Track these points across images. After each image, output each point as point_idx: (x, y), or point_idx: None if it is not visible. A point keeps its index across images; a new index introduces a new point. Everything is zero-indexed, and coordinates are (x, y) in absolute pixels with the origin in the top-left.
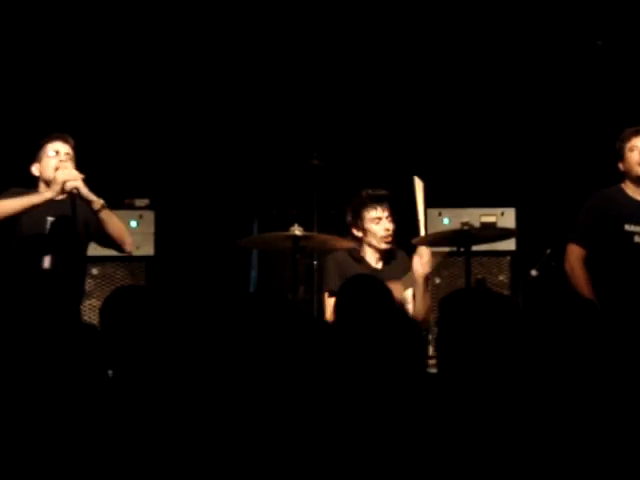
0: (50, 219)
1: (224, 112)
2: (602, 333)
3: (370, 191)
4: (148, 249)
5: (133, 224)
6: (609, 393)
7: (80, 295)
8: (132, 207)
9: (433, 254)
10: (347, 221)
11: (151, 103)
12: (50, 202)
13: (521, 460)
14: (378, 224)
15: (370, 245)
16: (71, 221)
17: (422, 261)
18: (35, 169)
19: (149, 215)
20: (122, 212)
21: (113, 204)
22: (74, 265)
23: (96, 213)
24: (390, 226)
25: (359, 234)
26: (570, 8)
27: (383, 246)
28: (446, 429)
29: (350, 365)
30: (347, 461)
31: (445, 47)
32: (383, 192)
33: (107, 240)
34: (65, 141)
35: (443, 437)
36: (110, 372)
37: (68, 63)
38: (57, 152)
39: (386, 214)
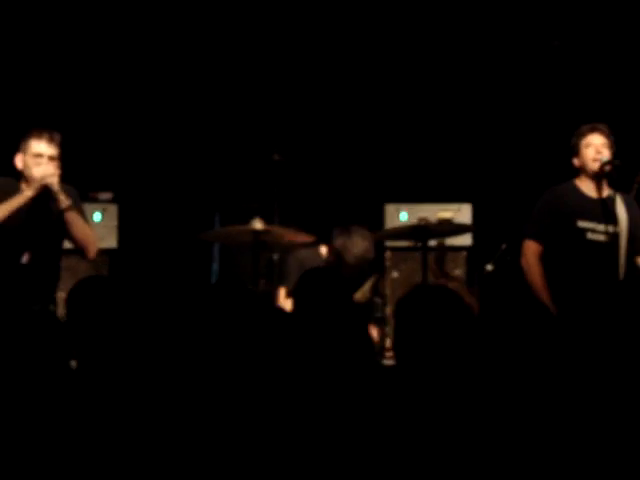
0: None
1: (187, 107)
2: (554, 331)
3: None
4: (111, 242)
5: (97, 217)
6: (563, 388)
7: (55, 286)
8: (96, 200)
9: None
10: (331, 245)
11: (115, 97)
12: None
13: (472, 452)
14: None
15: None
16: (46, 216)
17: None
18: (19, 162)
19: (113, 208)
20: (86, 205)
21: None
22: (50, 258)
23: (62, 212)
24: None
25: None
26: (528, 9)
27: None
28: (400, 420)
29: (306, 354)
30: (302, 449)
31: (405, 45)
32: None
33: (72, 241)
34: (50, 141)
35: (397, 427)
36: (73, 363)
37: (36, 56)
38: (41, 155)
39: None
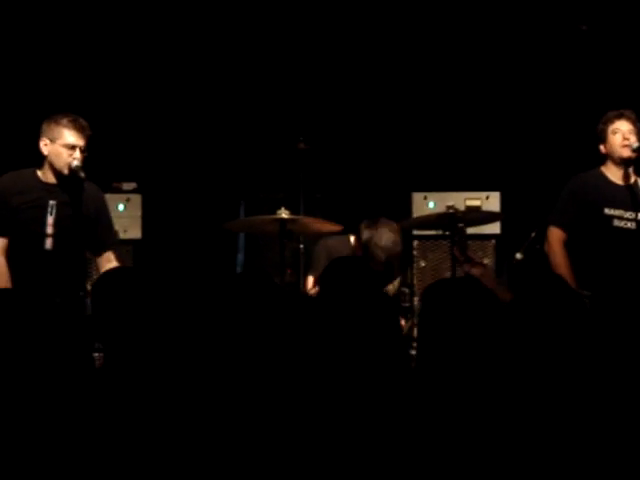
0: (52, 202)
1: (211, 96)
2: (587, 326)
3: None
4: (135, 232)
5: (120, 207)
6: (597, 384)
7: (83, 276)
8: (119, 191)
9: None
10: (360, 232)
11: (138, 88)
12: (52, 186)
13: (501, 449)
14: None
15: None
16: (75, 205)
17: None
18: (44, 148)
19: (136, 198)
20: (110, 195)
21: (101, 187)
22: (75, 247)
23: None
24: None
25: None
26: None
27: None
28: (425, 415)
29: (333, 344)
30: (332, 442)
31: (429, 37)
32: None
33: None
34: (82, 132)
35: (421, 422)
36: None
37: (57, 51)
38: (73, 147)
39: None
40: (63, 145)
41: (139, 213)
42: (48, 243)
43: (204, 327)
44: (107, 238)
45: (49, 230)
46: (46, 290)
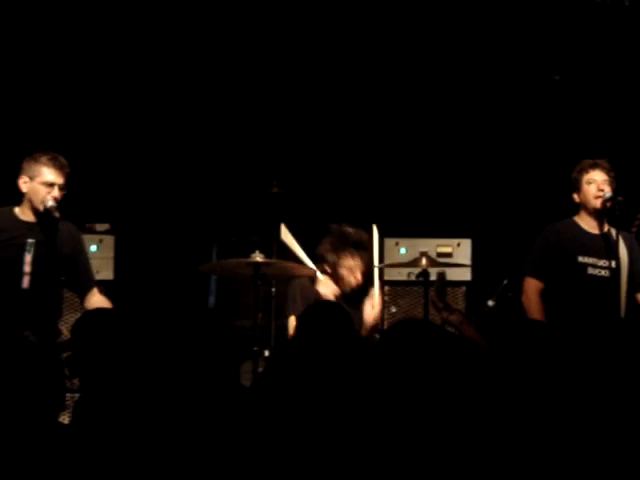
0: (30, 241)
1: (186, 138)
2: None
3: (355, 237)
4: (107, 273)
5: (93, 248)
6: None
7: (57, 314)
8: (93, 231)
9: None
10: (321, 254)
11: (113, 129)
12: (30, 225)
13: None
14: (351, 273)
15: (336, 284)
16: (50, 244)
17: (373, 311)
18: (24, 185)
19: (109, 240)
20: (83, 236)
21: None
22: (51, 285)
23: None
24: (360, 278)
25: (328, 270)
26: (528, 44)
27: (347, 291)
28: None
29: (310, 385)
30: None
31: (404, 78)
32: (365, 239)
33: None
34: (61, 170)
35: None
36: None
37: (33, 90)
38: (52, 185)
39: (360, 267)
40: (42, 183)
41: (112, 254)
42: (25, 282)
43: (176, 365)
44: (88, 277)
45: (26, 269)
46: (20, 328)
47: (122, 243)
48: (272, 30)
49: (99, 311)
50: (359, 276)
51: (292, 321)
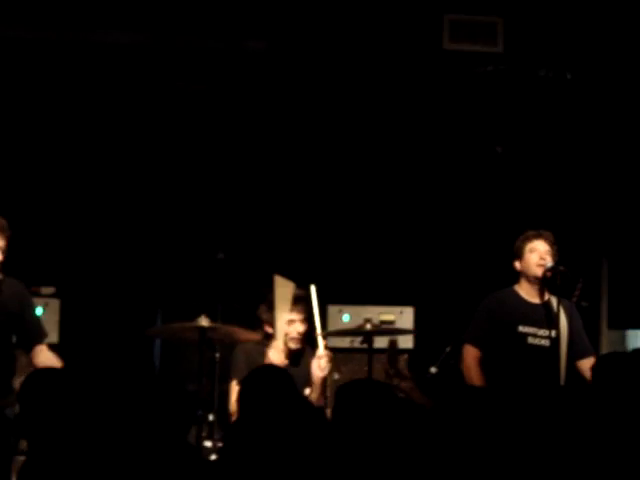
0: None
1: (131, 203)
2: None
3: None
4: (53, 337)
5: (39, 311)
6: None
7: (10, 374)
8: (38, 294)
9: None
10: (260, 316)
11: (58, 193)
12: None
13: None
14: (290, 326)
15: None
16: None
17: (320, 363)
18: None
19: (55, 303)
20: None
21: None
22: (1, 346)
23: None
24: (302, 329)
25: (270, 331)
26: (472, 116)
27: (292, 346)
28: None
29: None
30: None
31: (349, 154)
32: (300, 293)
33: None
34: (2, 232)
35: None
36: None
37: None
38: None
39: (300, 317)
40: None
41: (57, 317)
42: None
43: (120, 422)
44: (36, 332)
45: None
46: None
47: (67, 306)
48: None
49: (46, 370)
50: (300, 328)
51: (234, 385)
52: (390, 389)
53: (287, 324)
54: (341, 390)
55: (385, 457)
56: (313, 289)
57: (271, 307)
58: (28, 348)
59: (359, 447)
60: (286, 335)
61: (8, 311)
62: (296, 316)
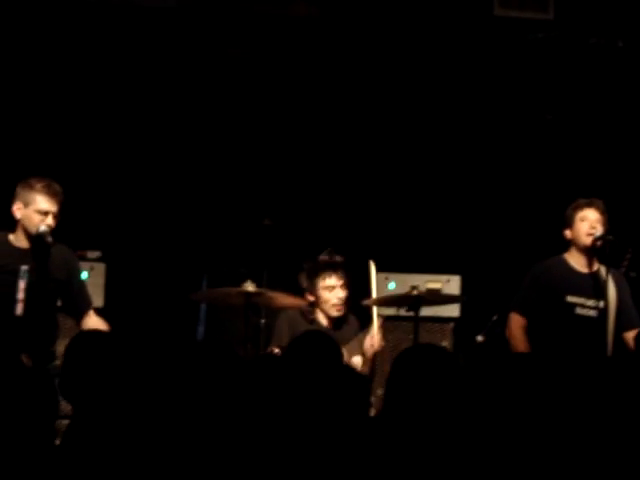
0: (24, 268)
1: (179, 167)
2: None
3: (326, 258)
4: (98, 301)
5: (84, 275)
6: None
7: (52, 340)
8: (83, 259)
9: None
10: (301, 285)
11: (104, 157)
12: (24, 251)
13: None
14: (331, 292)
15: (322, 310)
16: (42, 270)
17: (374, 341)
18: (18, 212)
19: (100, 267)
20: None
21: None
22: (45, 312)
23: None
24: (343, 294)
25: (312, 299)
26: (522, 83)
27: (334, 314)
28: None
29: (297, 415)
30: None
31: (394, 108)
32: (338, 259)
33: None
34: (55, 198)
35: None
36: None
37: (25, 113)
38: (46, 213)
39: (340, 282)
40: (36, 210)
41: (102, 281)
42: (19, 309)
43: (168, 391)
44: (83, 299)
45: (20, 296)
46: (14, 353)
47: (113, 271)
48: (265, 64)
49: (92, 333)
50: (341, 294)
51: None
52: (452, 356)
53: (327, 290)
54: (402, 356)
55: (444, 424)
56: (372, 266)
57: (311, 276)
58: (76, 315)
59: (418, 412)
60: (327, 302)
61: (56, 278)
62: (336, 282)
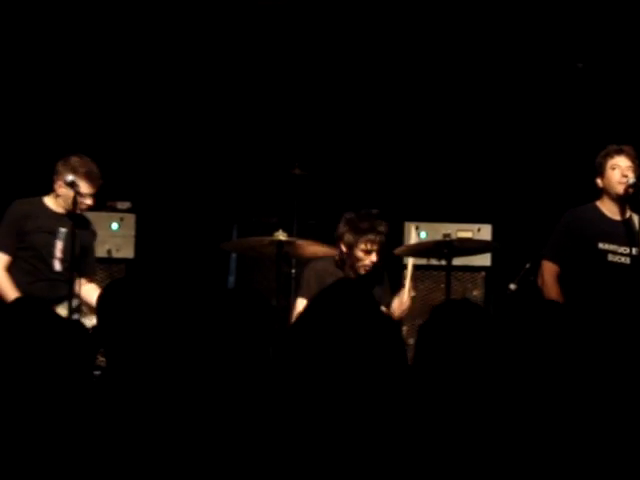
0: (63, 230)
1: (207, 119)
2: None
3: (371, 221)
4: (128, 252)
5: (114, 226)
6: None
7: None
8: (114, 209)
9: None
10: (339, 232)
11: (134, 109)
12: (61, 215)
13: (493, 454)
14: (366, 255)
15: (351, 264)
16: (77, 233)
17: (401, 306)
18: (59, 189)
19: (130, 218)
20: (104, 214)
21: (95, 206)
22: (78, 268)
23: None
24: (375, 259)
25: (344, 249)
26: (552, 32)
27: (361, 272)
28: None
29: (331, 361)
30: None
31: (422, 72)
32: (382, 226)
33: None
34: (95, 182)
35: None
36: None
37: (52, 72)
38: (83, 195)
39: (376, 247)
40: (73, 192)
41: (133, 232)
42: (57, 265)
43: (200, 337)
44: (93, 268)
45: (58, 254)
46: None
47: (143, 221)
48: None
49: (124, 281)
50: (374, 258)
51: (299, 302)
52: (485, 311)
53: (364, 252)
54: (437, 310)
55: (476, 379)
56: (411, 263)
57: (353, 230)
58: (81, 276)
59: (450, 369)
60: (359, 261)
61: (82, 244)
62: (373, 247)
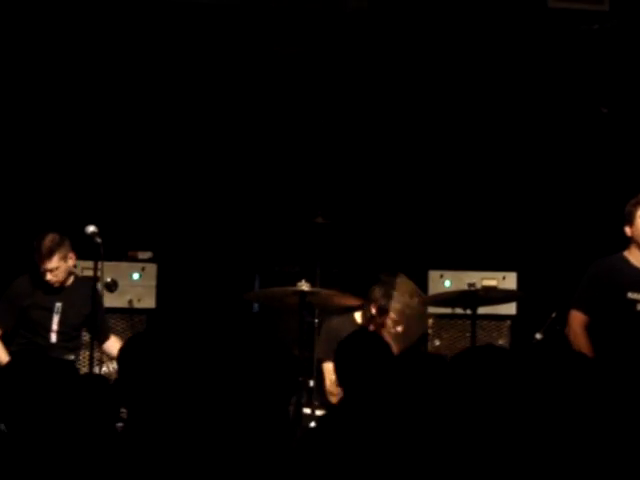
0: (58, 304)
1: (229, 168)
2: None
3: (407, 289)
4: (150, 302)
5: (135, 276)
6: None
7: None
8: (135, 259)
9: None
10: (373, 295)
11: (156, 158)
12: (56, 289)
13: None
14: (394, 324)
15: (375, 328)
16: (73, 306)
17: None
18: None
19: (151, 268)
20: (125, 264)
21: (116, 256)
22: (74, 338)
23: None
24: (401, 330)
25: (374, 313)
26: (577, 76)
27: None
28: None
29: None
30: None
31: (448, 111)
32: (415, 293)
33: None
34: (42, 258)
35: None
36: (119, 424)
37: (70, 112)
38: (44, 271)
39: (397, 318)
40: (42, 271)
41: (154, 282)
42: (53, 337)
43: (223, 389)
44: (106, 327)
45: (54, 327)
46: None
47: (165, 271)
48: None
49: (144, 335)
50: (400, 329)
51: (326, 366)
52: (510, 355)
53: (392, 322)
54: (458, 358)
55: (502, 423)
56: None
57: (388, 295)
58: (100, 340)
59: (476, 414)
60: (385, 327)
61: (82, 313)
62: (396, 317)
